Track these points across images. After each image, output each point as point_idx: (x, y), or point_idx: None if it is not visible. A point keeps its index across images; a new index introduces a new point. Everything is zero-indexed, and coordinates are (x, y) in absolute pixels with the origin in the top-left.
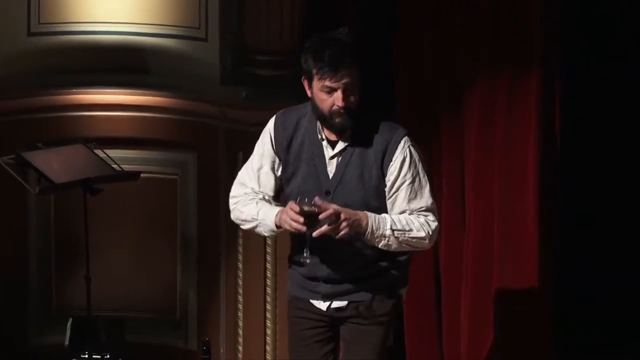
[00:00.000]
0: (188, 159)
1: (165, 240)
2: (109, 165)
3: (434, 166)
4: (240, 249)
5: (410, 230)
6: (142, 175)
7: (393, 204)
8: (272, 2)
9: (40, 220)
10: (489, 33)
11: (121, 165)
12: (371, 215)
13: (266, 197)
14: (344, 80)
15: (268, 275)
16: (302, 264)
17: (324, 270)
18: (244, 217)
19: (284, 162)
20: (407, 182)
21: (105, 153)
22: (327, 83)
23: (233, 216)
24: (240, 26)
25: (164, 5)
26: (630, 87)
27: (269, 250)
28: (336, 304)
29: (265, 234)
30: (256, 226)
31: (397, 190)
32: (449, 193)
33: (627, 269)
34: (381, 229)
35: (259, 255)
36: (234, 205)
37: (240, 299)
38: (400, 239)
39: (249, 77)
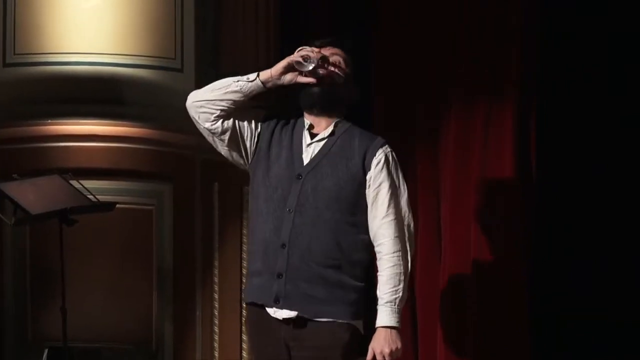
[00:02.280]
0: (164, 189)
1: (141, 270)
2: (85, 196)
3: (410, 195)
4: (216, 279)
5: (400, 277)
6: (117, 205)
7: (373, 202)
8: (248, 33)
9: (16, 251)
10: (466, 62)
11: (97, 196)
12: (388, 320)
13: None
14: (330, 50)
15: (244, 305)
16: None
17: (283, 260)
18: (208, 86)
19: (263, 138)
20: (388, 182)
21: (81, 184)
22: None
23: (198, 91)
24: (216, 57)
25: (139, 36)
26: (606, 117)
27: (245, 281)
28: (286, 313)
29: (231, 88)
30: (217, 87)
31: (379, 186)
32: (425, 222)
33: (601, 292)
34: (398, 309)
35: (235, 286)
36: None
37: (216, 329)
38: (403, 286)
39: None
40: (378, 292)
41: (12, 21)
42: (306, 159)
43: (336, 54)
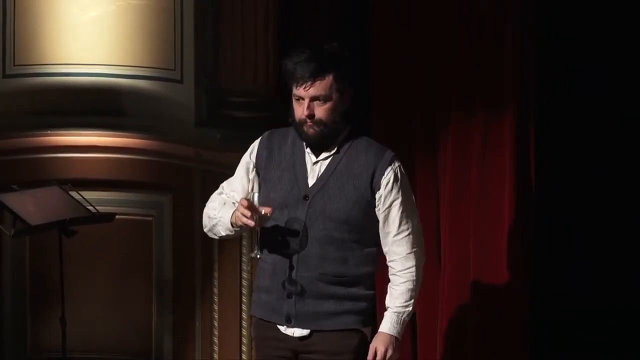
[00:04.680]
0: (163, 200)
1: (141, 281)
2: (84, 206)
3: None
4: (216, 290)
5: (412, 293)
6: (117, 216)
7: (385, 220)
8: (247, 45)
9: (15, 262)
10: (463, 75)
11: (96, 207)
12: (391, 328)
13: (234, 201)
14: (311, 91)
15: (244, 316)
16: (267, 289)
17: (291, 281)
18: (209, 213)
19: (263, 170)
20: (399, 199)
21: (80, 195)
22: (296, 91)
23: (204, 217)
24: (216, 68)
25: (139, 47)
26: (605, 129)
27: (244, 292)
28: (299, 332)
29: (222, 234)
30: (215, 225)
31: (390, 205)
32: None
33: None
34: (403, 321)
35: (234, 297)
36: (207, 204)
37: (216, 340)
38: (414, 301)
39: (224, 119)
40: (388, 302)
41: (12, 32)
42: (312, 180)
43: (309, 99)
